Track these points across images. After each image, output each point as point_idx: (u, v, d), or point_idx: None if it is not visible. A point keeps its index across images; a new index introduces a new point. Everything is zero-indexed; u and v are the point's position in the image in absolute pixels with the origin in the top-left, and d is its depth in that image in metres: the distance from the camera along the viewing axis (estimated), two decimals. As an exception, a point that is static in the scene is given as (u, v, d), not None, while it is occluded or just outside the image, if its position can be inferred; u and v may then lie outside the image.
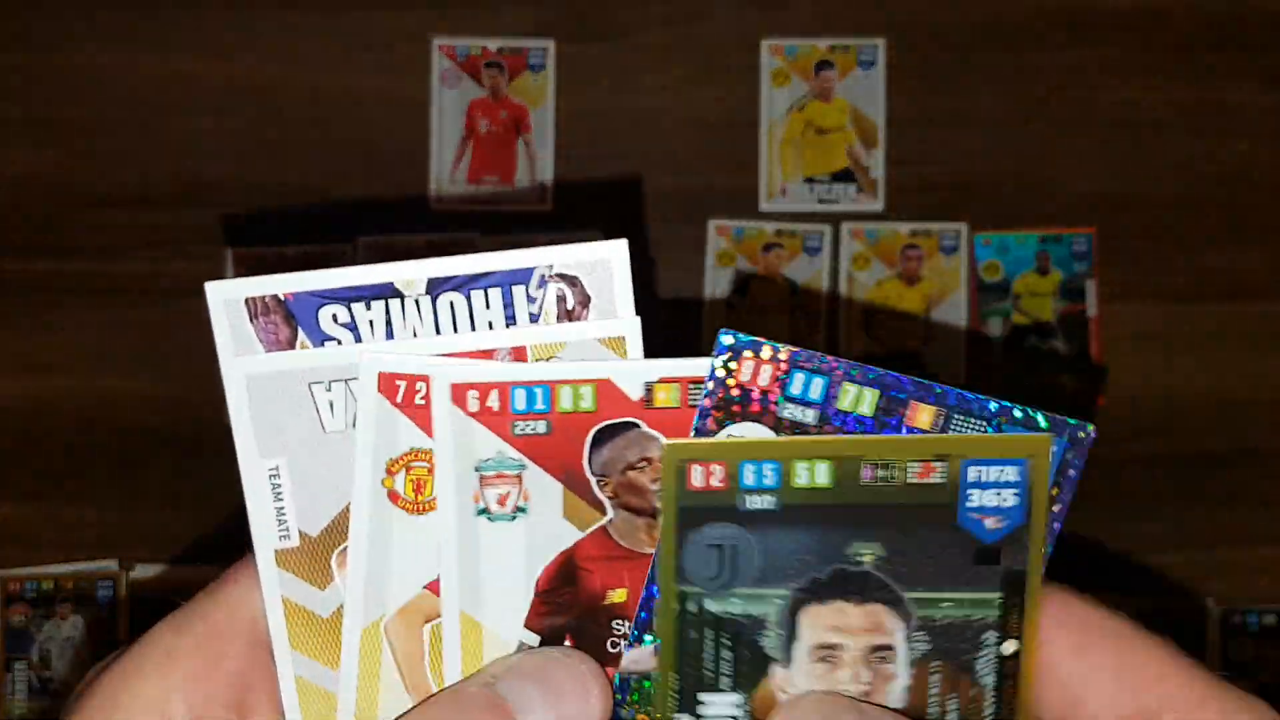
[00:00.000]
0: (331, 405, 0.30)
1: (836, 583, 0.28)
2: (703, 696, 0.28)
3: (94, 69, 0.84)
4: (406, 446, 0.30)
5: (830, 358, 0.28)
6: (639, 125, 0.84)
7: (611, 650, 0.30)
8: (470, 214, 0.84)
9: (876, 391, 0.28)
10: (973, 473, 0.27)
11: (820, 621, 0.28)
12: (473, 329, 0.30)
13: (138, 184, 0.84)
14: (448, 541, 0.30)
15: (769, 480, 0.27)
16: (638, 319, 0.30)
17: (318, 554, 0.31)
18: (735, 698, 0.28)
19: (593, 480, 0.30)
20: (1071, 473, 0.28)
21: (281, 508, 0.31)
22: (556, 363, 0.29)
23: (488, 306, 0.30)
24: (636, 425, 0.29)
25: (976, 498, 0.27)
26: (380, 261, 0.30)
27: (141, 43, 0.84)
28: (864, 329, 0.83)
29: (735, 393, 0.28)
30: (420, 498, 0.30)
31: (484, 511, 0.30)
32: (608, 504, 0.30)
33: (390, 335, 0.30)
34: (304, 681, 0.30)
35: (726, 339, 0.28)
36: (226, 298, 0.30)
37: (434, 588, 0.30)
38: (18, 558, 0.81)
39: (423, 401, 0.29)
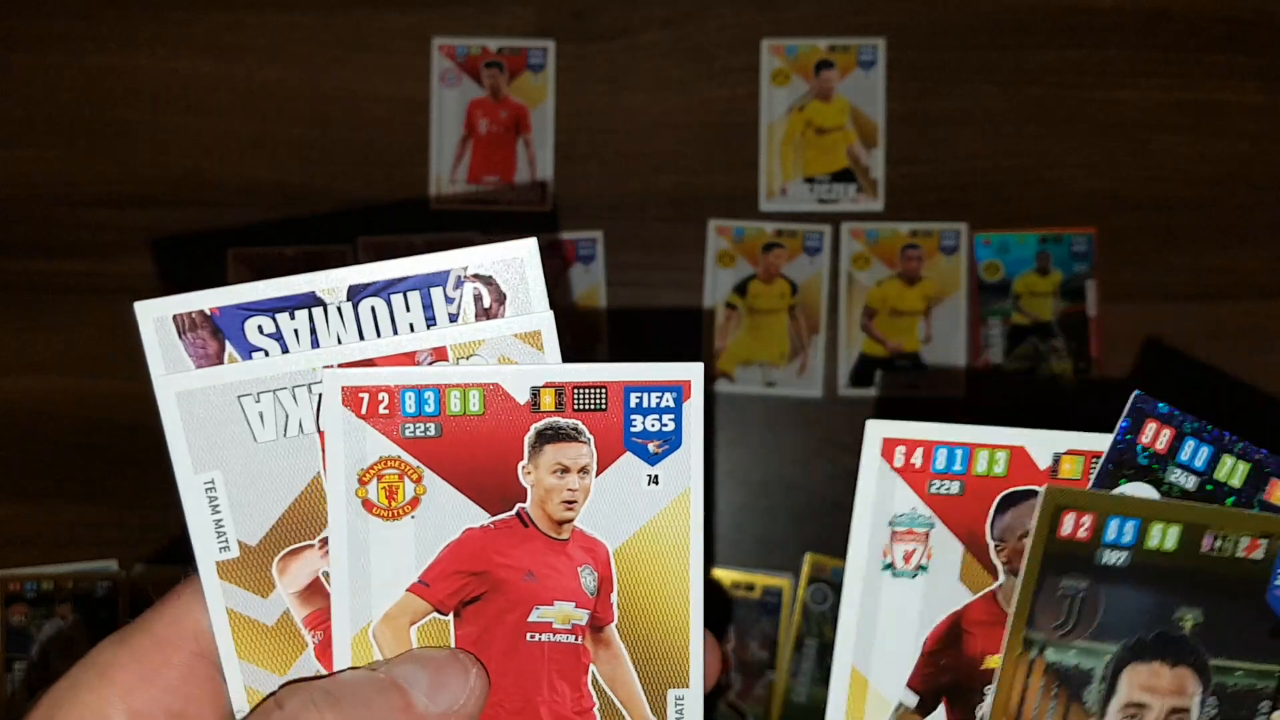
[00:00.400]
0: (261, 416, 0.31)
1: (1158, 644, 0.29)
2: None
3: (94, 69, 0.84)
4: (375, 456, 0.30)
5: (1219, 430, 0.30)
6: (639, 125, 0.84)
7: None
8: (470, 214, 0.84)
9: (1249, 465, 0.30)
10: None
11: (1136, 680, 0.30)
12: (395, 332, 0.30)
13: (138, 184, 0.84)
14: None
15: (1127, 538, 0.29)
16: (551, 313, 0.30)
17: (259, 563, 0.31)
18: None
19: (991, 544, 0.31)
20: None
21: (220, 520, 0.31)
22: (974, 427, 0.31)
23: (408, 309, 0.30)
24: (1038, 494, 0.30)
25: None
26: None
27: (141, 43, 0.84)
28: (864, 329, 0.83)
29: (1135, 453, 0.30)
30: (394, 504, 0.31)
31: (889, 566, 0.31)
32: (1000, 569, 0.31)
33: (315, 344, 0.30)
34: (253, 691, 0.30)
35: (1141, 402, 0.30)
36: (155, 315, 0.31)
37: (415, 588, 0.31)
38: (18, 558, 0.81)
39: (386, 411, 0.30)
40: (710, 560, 0.81)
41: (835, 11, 0.85)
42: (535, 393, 0.30)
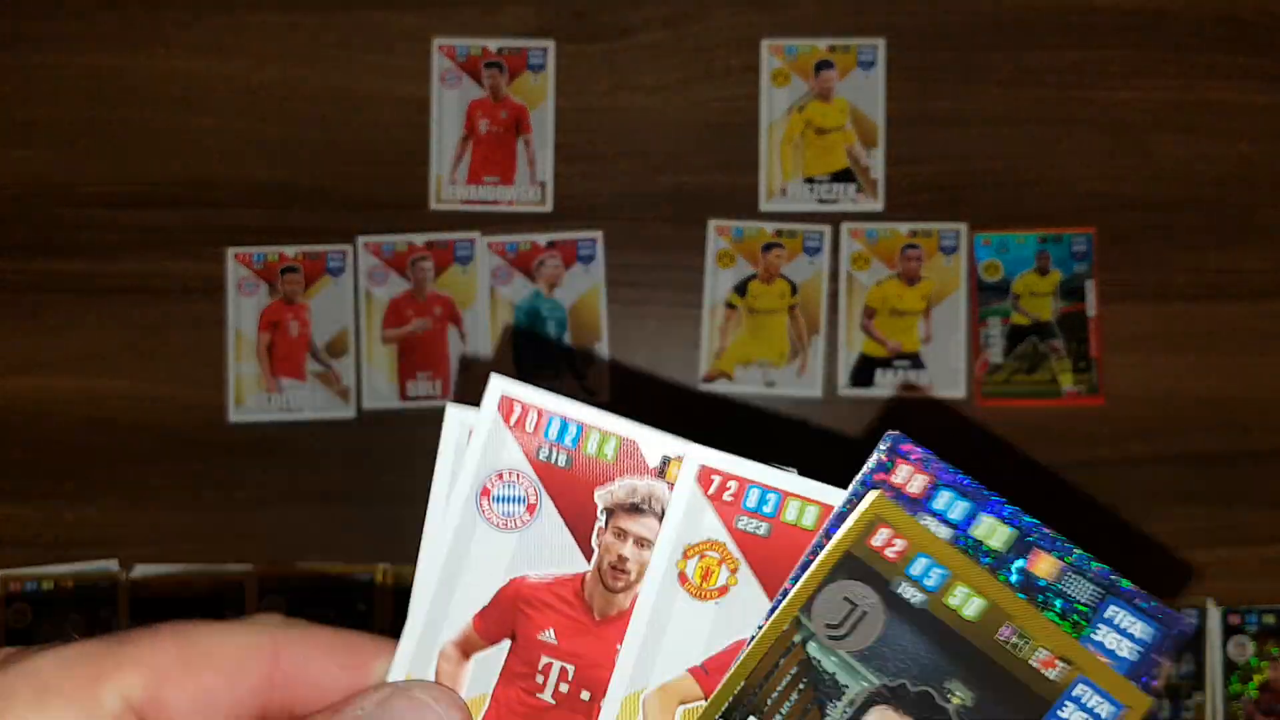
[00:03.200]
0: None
1: (919, 702, 0.29)
2: (749, 718, 0.29)
3: (94, 69, 0.84)
4: (705, 536, 0.31)
5: (977, 485, 0.29)
6: (639, 125, 0.84)
7: None
8: (470, 214, 0.84)
9: (1014, 533, 0.29)
10: (1080, 689, 0.29)
11: None
12: None
13: (138, 184, 0.84)
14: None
15: (931, 582, 0.29)
16: None
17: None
18: None
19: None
20: (1160, 658, 0.29)
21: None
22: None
23: None
24: None
25: (1069, 712, 0.29)
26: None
27: (141, 43, 0.84)
28: (864, 329, 0.83)
29: (887, 490, 0.30)
30: (705, 585, 0.31)
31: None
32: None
33: None
34: None
35: (893, 437, 0.30)
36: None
37: (695, 673, 0.31)
38: (18, 558, 0.81)
39: (730, 498, 0.31)
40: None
41: (835, 11, 0.85)
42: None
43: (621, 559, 0.30)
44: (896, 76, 0.84)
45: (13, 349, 0.83)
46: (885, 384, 0.83)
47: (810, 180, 0.84)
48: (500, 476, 0.31)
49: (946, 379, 0.83)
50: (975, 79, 0.84)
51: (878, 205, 0.84)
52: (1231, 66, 0.84)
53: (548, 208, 0.84)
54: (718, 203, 0.84)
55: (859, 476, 0.30)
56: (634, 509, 0.30)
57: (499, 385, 0.30)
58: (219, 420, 0.82)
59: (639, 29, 0.85)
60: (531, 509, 0.31)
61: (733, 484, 0.30)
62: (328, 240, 0.83)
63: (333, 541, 0.82)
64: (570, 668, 0.31)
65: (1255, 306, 0.83)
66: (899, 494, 0.29)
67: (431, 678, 0.31)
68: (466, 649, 0.31)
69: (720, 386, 0.83)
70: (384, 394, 0.83)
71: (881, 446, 0.30)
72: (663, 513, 0.30)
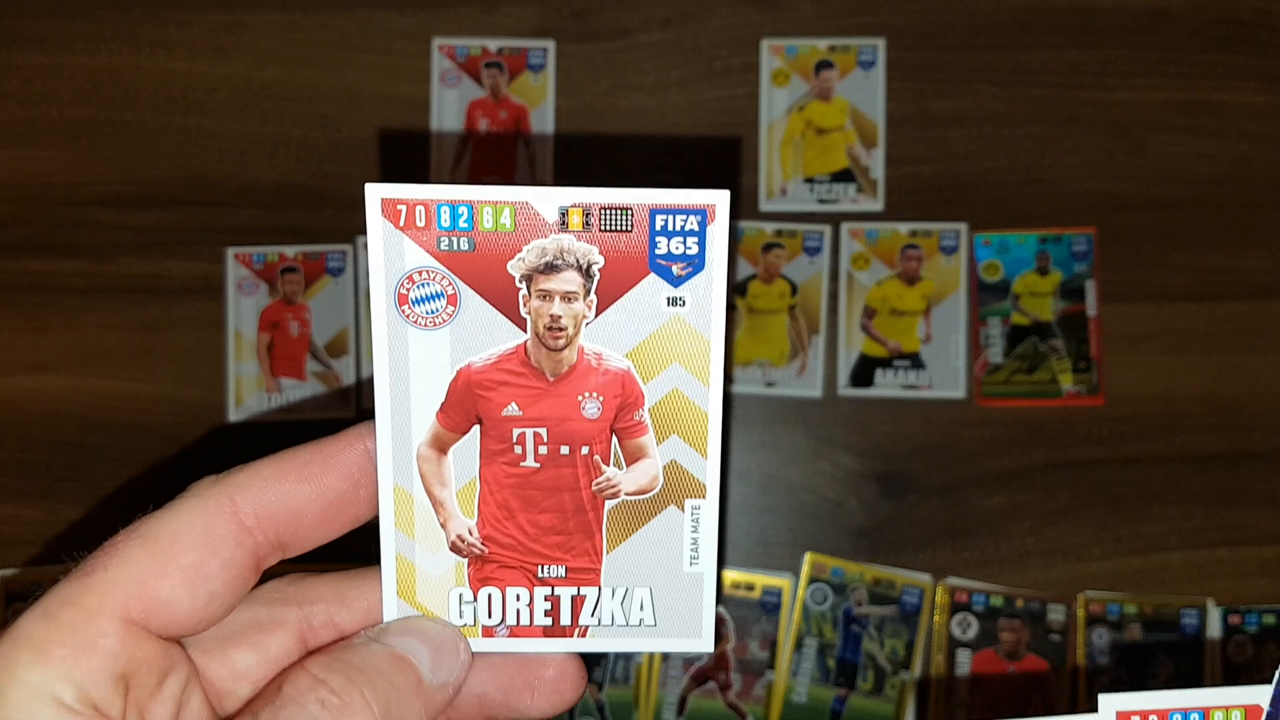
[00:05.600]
0: None
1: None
2: None
3: (94, 69, 0.84)
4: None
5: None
6: (639, 125, 0.84)
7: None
8: (470, 214, 0.84)
9: None
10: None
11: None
12: None
13: (138, 184, 0.84)
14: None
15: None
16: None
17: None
18: None
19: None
20: None
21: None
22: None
23: None
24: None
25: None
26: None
27: (141, 43, 0.84)
28: (864, 329, 0.83)
29: None
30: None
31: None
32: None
33: None
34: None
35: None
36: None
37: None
38: (18, 558, 0.81)
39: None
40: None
41: (835, 11, 0.85)
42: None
43: (554, 318, 0.31)
44: (896, 76, 0.84)
45: (13, 349, 0.83)
46: (885, 384, 0.83)
47: (810, 180, 0.84)
48: (411, 279, 0.31)
49: (946, 379, 0.83)
50: (975, 79, 0.84)
51: (878, 205, 0.84)
52: (1231, 66, 0.84)
53: (548, 208, 0.84)
54: (718, 203, 0.84)
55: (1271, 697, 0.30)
56: (550, 268, 0.31)
57: (376, 191, 0.30)
58: (219, 420, 0.82)
59: (639, 29, 0.85)
60: (453, 300, 0.31)
61: (420, 209, 0.30)
62: (328, 240, 0.83)
63: (332, 541, 0.82)
64: (542, 430, 0.32)
65: (1255, 306, 0.83)
66: None
67: (417, 482, 0.32)
68: (440, 446, 0.32)
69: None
70: (384, 394, 0.83)
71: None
72: (578, 264, 0.31)
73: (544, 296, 0.31)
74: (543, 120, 0.84)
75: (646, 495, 0.33)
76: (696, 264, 0.31)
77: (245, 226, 0.84)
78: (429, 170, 0.84)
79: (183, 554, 0.30)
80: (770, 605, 0.80)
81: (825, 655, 0.80)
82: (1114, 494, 0.81)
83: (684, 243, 0.31)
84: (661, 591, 0.33)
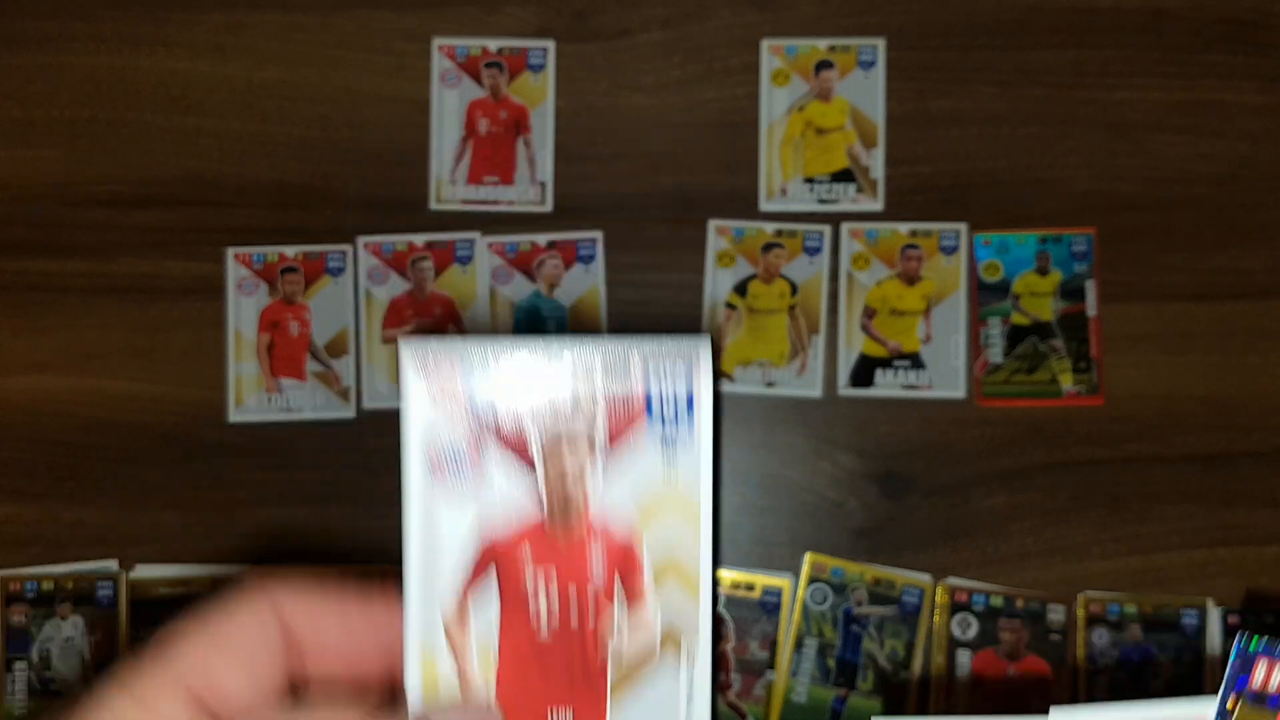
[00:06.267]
0: None
1: None
2: None
3: (94, 69, 0.84)
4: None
5: None
6: (639, 125, 0.84)
7: None
8: (470, 214, 0.84)
9: None
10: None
11: None
12: None
13: (138, 184, 0.84)
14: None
15: None
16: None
17: None
18: None
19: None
20: None
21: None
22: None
23: None
24: None
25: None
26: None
27: (141, 43, 0.84)
28: (864, 329, 0.83)
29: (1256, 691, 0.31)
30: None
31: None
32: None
33: None
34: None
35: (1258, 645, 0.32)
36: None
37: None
38: (18, 558, 0.81)
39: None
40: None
41: (835, 11, 0.85)
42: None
43: (566, 497, 0.32)
44: (896, 76, 0.84)
45: (13, 349, 0.83)
46: (885, 384, 0.83)
47: (810, 180, 0.84)
48: (439, 437, 0.32)
49: (946, 379, 0.83)
50: (975, 79, 0.84)
51: (878, 205, 0.84)
52: (1231, 66, 0.84)
53: (548, 208, 0.84)
54: (717, 203, 0.84)
55: (1222, 689, 0.31)
56: (563, 438, 0.32)
57: (411, 349, 0.31)
58: (219, 420, 0.82)
59: (639, 29, 0.85)
60: (475, 453, 0.32)
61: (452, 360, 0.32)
62: (328, 240, 0.83)
63: (332, 542, 0.82)
64: (553, 570, 0.33)
65: (1255, 306, 0.83)
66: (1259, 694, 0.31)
67: (444, 648, 0.33)
68: (464, 615, 0.33)
69: (720, 386, 0.83)
70: (384, 394, 0.83)
71: (1234, 656, 0.31)
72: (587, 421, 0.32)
73: (560, 476, 0.32)
74: (543, 120, 0.84)
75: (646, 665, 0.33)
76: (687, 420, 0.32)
77: (245, 226, 0.84)
78: (429, 170, 0.84)
79: (240, 645, 0.32)
80: (770, 605, 0.80)
81: (825, 655, 0.80)
82: (1114, 494, 0.81)
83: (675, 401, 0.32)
84: None
